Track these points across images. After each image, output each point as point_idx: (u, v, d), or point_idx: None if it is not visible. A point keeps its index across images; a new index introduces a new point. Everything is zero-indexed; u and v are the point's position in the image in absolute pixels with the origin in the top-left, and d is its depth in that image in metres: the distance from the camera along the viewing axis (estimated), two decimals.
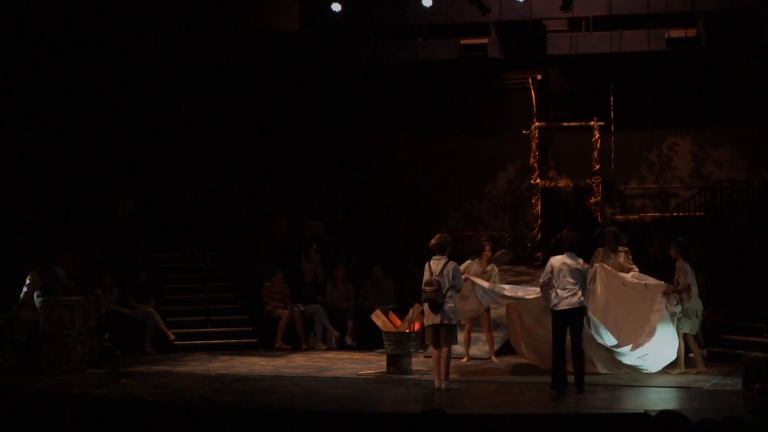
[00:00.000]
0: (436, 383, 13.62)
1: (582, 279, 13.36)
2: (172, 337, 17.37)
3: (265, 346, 17.47)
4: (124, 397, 13.37)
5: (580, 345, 13.46)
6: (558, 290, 13.28)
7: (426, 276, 13.61)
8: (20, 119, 20.13)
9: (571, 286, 13.26)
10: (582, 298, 13.32)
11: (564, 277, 13.29)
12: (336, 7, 19.62)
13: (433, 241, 13.78)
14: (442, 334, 13.60)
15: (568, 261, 13.39)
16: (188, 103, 21.46)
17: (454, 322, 13.72)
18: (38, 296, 16.00)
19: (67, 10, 20.04)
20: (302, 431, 11.31)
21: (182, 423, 8.38)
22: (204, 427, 8.67)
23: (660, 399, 13.13)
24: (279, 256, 19.13)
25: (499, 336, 16.96)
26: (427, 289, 13.55)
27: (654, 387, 13.90)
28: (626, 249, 15.43)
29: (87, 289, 16.91)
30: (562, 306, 13.27)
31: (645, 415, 10.89)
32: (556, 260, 13.44)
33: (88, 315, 15.85)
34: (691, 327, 14.74)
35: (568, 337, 13.43)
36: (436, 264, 13.62)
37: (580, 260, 13.52)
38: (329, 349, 17.71)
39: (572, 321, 13.35)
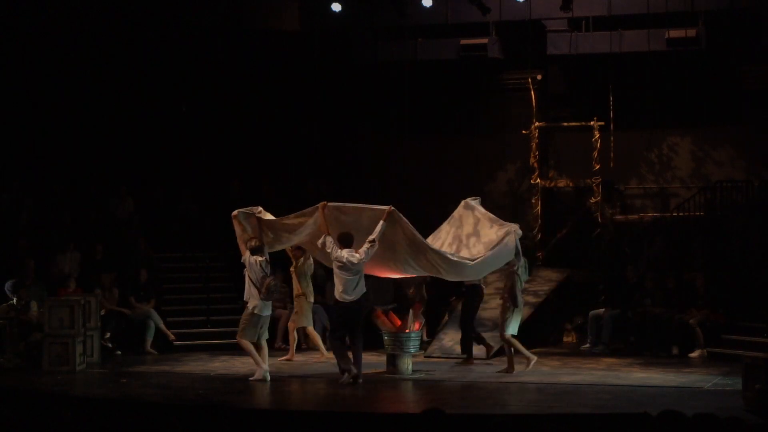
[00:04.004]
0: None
1: (361, 272, 14.13)
2: (172, 337, 17.38)
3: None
4: (124, 397, 13.37)
5: (359, 335, 14.49)
6: (343, 284, 14.09)
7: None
8: (20, 119, 20.14)
9: (352, 276, 14.09)
10: (362, 290, 14.22)
11: (349, 272, 14.04)
12: (336, 7, 19.63)
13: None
14: None
15: (352, 258, 14.05)
16: (189, 103, 21.46)
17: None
18: (10, 290, 16.16)
19: (68, 11, 20.05)
20: (302, 431, 11.31)
21: (182, 423, 8.38)
22: (204, 427, 8.67)
23: (660, 399, 13.12)
24: (279, 256, 19.10)
25: (498, 336, 16.98)
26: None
27: (654, 387, 13.91)
28: None
29: (87, 289, 16.94)
30: (354, 297, 14.15)
31: (645, 415, 10.88)
32: (345, 253, 14.07)
33: (88, 315, 15.86)
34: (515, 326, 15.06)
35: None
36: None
37: (356, 255, 14.01)
38: (329, 349, 17.71)
39: (355, 312, 14.23)
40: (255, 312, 14.46)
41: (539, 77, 20.59)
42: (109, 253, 18.48)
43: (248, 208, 14.82)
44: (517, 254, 14.84)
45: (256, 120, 21.42)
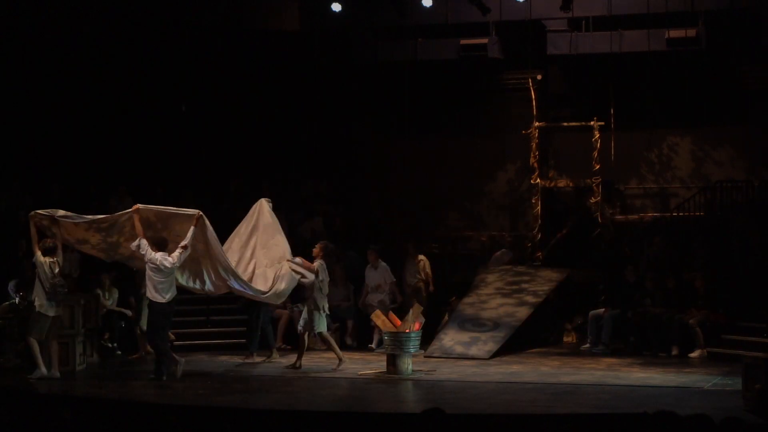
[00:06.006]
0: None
1: (173, 275, 14.57)
2: (172, 337, 17.35)
3: (266, 346, 17.47)
4: (124, 397, 13.37)
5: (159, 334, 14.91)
6: (155, 286, 14.48)
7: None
8: (20, 119, 20.14)
9: (165, 279, 14.49)
10: (174, 292, 14.65)
11: (161, 274, 14.48)
12: (336, 7, 19.63)
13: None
14: None
15: (165, 262, 14.38)
16: (189, 103, 21.47)
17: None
18: (13, 290, 16.15)
19: (68, 11, 20.04)
20: (302, 431, 11.31)
21: (182, 423, 8.38)
22: (204, 427, 8.68)
23: (660, 399, 13.12)
24: None
25: (498, 336, 16.99)
26: None
27: (654, 387, 13.91)
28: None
29: (87, 289, 16.93)
30: (167, 298, 14.55)
31: (644, 415, 10.88)
32: (159, 256, 14.39)
33: (88, 315, 15.86)
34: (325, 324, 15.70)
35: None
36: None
37: (169, 259, 14.43)
38: (329, 349, 17.72)
39: (167, 313, 14.68)
40: (41, 312, 14.68)
41: (539, 77, 20.60)
42: None
43: (47, 210, 15.03)
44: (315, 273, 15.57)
45: (256, 120, 21.42)
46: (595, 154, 19.95)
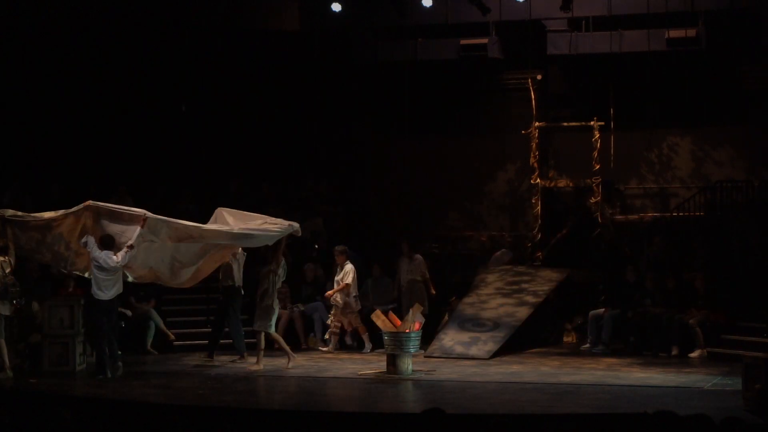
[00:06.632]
0: None
1: (118, 273, 14.68)
2: (172, 337, 17.39)
3: (266, 346, 17.46)
4: (124, 397, 13.37)
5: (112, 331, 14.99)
6: (99, 283, 14.61)
7: None
8: (20, 119, 20.14)
9: (109, 277, 14.57)
10: (118, 290, 14.79)
11: (106, 272, 14.57)
12: (336, 7, 19.65)
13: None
14: None
15: (109, 260, 14.58)
16: (189, 103, 21.47)
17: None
18: None
19: (68, 11, 20.05)
20: (302, 431, 11.31)
21: (182, 423, 8.39)
22: (204, 427, 8.68)
23: (660, 399, 13.13)
24: None
25: (498, 336, 17.00)
26: None
27: (654, 387, 13.91)
28: None
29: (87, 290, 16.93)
30: (109, 296, 14.66)
31: (644, 415, 10.88)
32: (104, 254, 14.60)
33: (87, 315, 15.85)
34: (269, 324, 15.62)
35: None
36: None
37: (114, 258, 14.55)
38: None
39: (109, 311, 14.78)
40: None
41: (539, 77, 20.59)
42: None
43: None
44: (276, 253, 15.58)
45: (256, 120, 21.41)
46: (595, 154, 19.95)
